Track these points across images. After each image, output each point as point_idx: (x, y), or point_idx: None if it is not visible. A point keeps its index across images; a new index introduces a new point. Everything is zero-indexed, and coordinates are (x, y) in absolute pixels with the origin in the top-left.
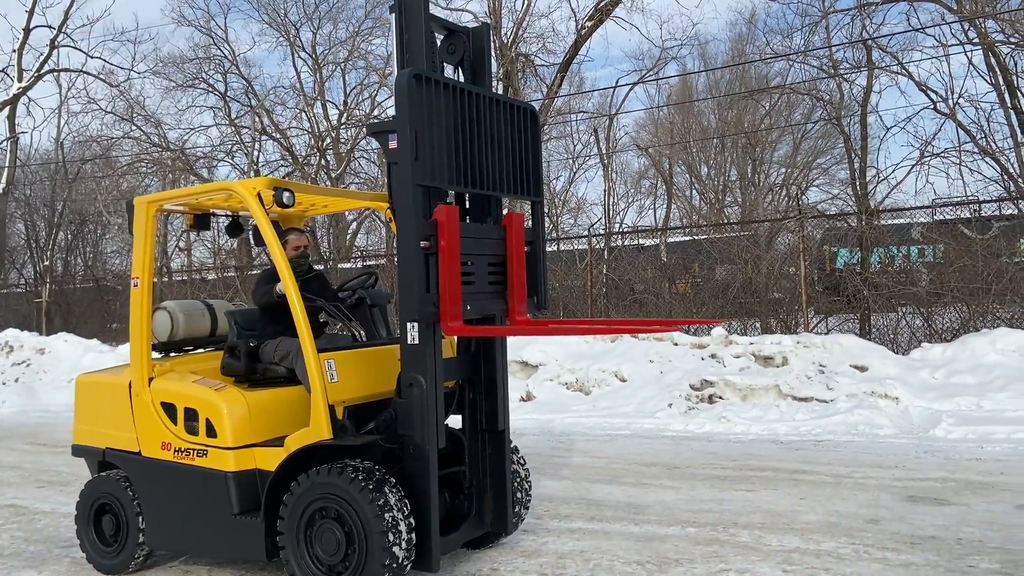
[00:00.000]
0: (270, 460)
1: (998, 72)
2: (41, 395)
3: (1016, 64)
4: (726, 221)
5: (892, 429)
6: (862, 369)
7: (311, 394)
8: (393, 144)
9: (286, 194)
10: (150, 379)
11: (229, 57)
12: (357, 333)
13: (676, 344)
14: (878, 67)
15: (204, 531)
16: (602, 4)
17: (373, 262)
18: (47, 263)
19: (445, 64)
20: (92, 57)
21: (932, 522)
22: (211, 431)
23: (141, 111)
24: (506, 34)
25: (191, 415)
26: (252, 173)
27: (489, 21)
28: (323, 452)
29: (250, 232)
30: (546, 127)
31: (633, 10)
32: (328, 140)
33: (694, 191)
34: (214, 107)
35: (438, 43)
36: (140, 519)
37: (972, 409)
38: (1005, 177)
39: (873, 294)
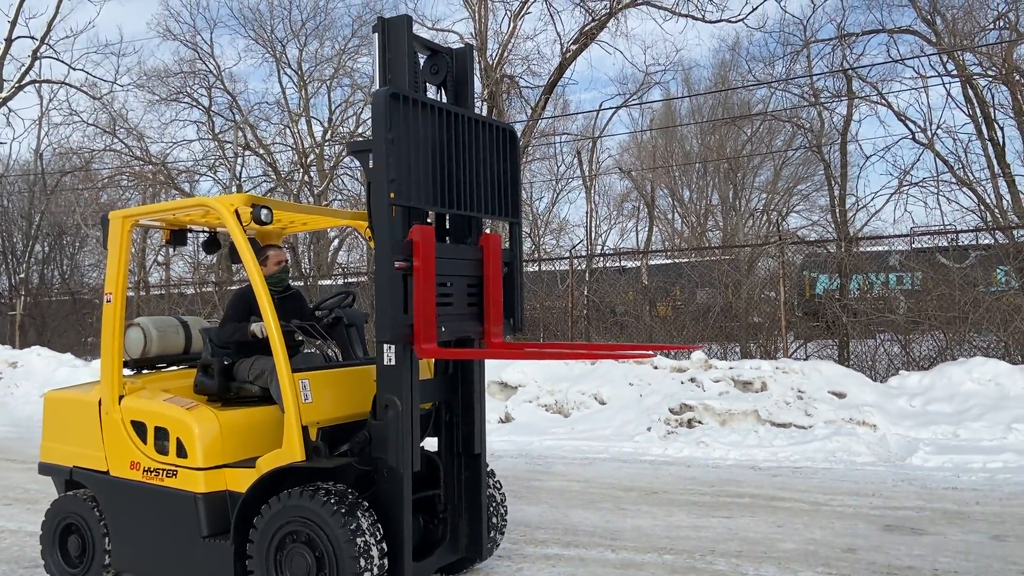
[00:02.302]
0: (241, 481)
1: (975, 104)
2: (12, 409)
3: (993, 96)
4: (707, 245)
5: (869, 456)
6: (840, 396)
7: (284, 414)
8: (372, 164)
9: (264, 211)
10: (120, 396)
11: (214, 72)
12: (332, 353)
13: (656, 367)
14: (858, 97)
15: (172, 554)
16: (587, 28)
17: (354, 279)
18: (23, 275)
19: (428, 84)
20: (75, 69)
21: (908, 552)
22: (181, 451)
23: (124, 124)
24: (491, 56)
25: (161, 434)
26: (235, 188)
27: (474, 43)
28: (295, 474)
29: (227, 249)
30: (530, 148)
31: (617, 34)
32: (312, 157)
33: (676, 215)
34: (198, 121)
35: (421, 64)
36: (106, 540)
37: (948, 438)
38: (981, 207)
39: (852, 321)
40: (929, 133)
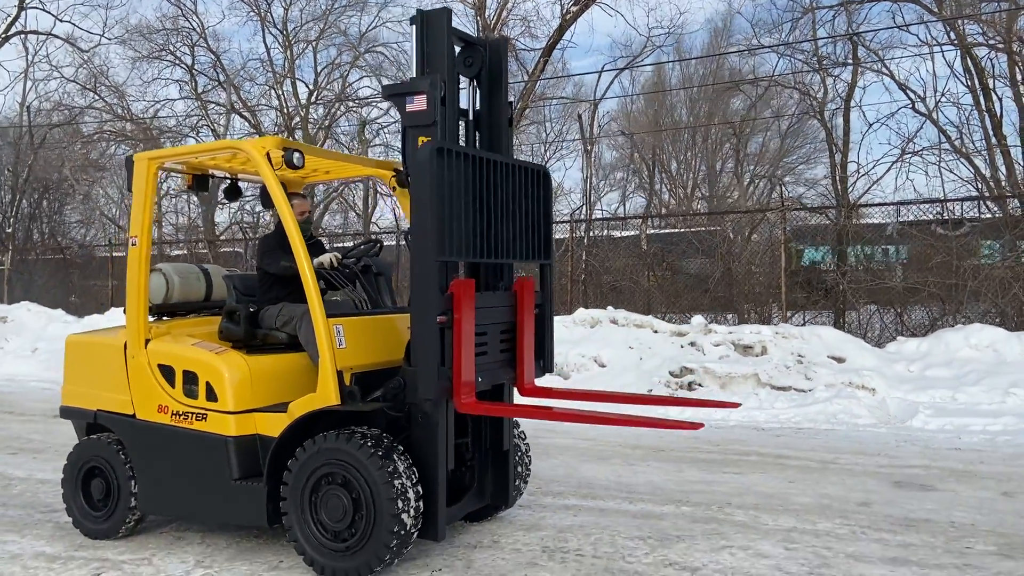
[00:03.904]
0: (271, 425)
1: (974, 75)
2: (4, 364)
3: (993, 67)
4: (708, 211)
5: (870, 419)
6: (839, 360)
7: (319, 359)
8: (412, 107)
9: (296, 154)
10: (147, 341)
11: (198, 30)
12: (361, 301)
13: (656, 331)
14: (861, 64)
15: (201, 496)
16: None
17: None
18: (9, 230)
19: (461, 76)
20: (62, 20)
21: (922, 506)
22: (211, 395)
23: (105, 81)
24: (490, 16)
25: (190, 378)
26: None
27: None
28: (327, 418)
29: (258, 194)
30: (527, 112)
31: None
32: (297, 119)
33: (663, 185)
34: (180, 80)
35: (456, 54)
36: (132, 483)
37: (947, 402)
38: (977, 178)
39: (852, 288)
40: (931, 103)
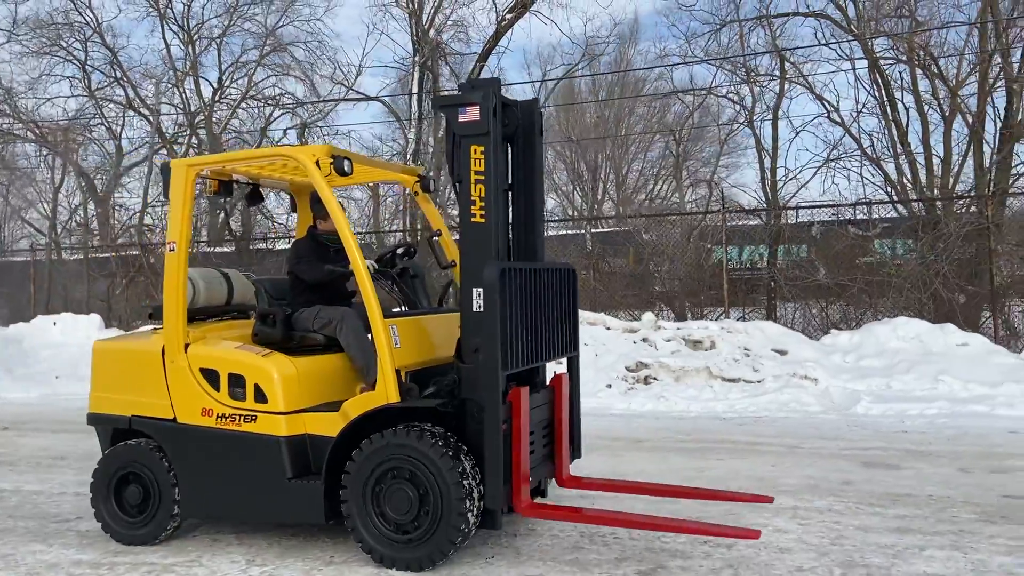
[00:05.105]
0: (320, 424)
1: (881, 86)
2: None
3: (902, 80)
4: (654, 213)
5: (818, 407)
6: (782, 352)
7: (378, 358)
8: (464, 117)
9: (346, 162)
10: (186, 345)
11: (92, 24)
12: (400, 302)
13: (608, 328)
14: (770, 76)
15: (253, 496)
16: None
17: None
18: None
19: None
20: None
21: (897, 483)
22: (260, 397)
23: None
24: (427, 20)
25: (237, 381)
26: (114, 147)
27: (409, 6)
28: (380, 416)
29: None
30: None
31: (555, 5)
32: (201, 118)
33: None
34: (72, 77)
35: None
36: (175, 488)
37: (883, 389)
38: (887, 184)
39: (789, 284)
40: (847, 114)
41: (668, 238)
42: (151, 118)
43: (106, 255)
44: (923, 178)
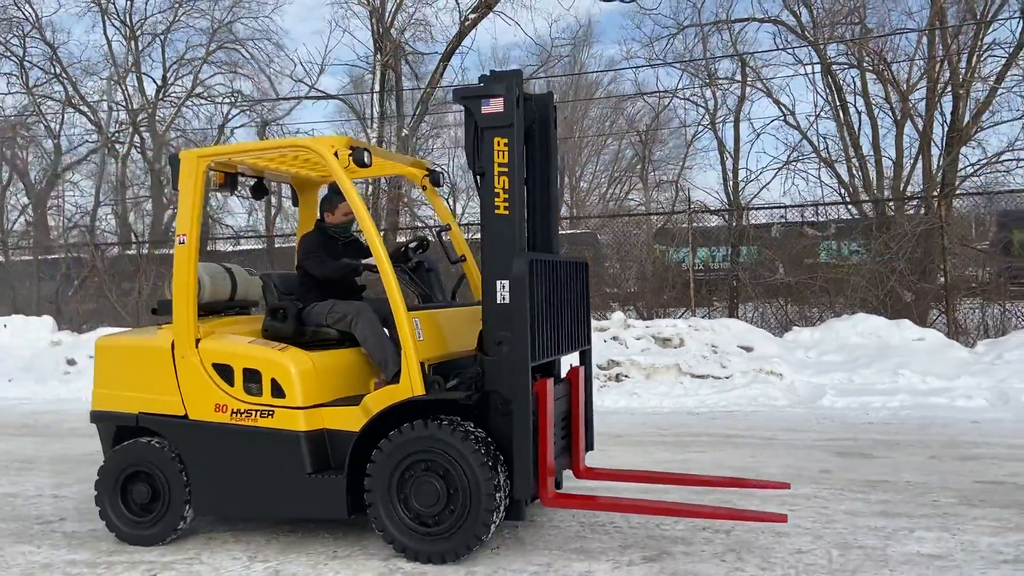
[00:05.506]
0: (338, 419)
1: (834, 91)
2: None
3: (855, 84)
4: (622, 213)
5: (785, 401)
6: (748, 349)
7: (403, 351)
8: (488, 109)
9: (366, 154)
10: (196, 340)
11: (30, 19)
12: (416, 296)
13: None
14: (731, 80)
15: (271, 492)
16: None
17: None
18: None
19: None
20: None
21: (874, 471)
22: (278, 391)
23: None
24: (388, 18)
25: (252, 376)
26: (52, 145)
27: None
28: (402, 409)
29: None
30: (427, 117)
31: (519, 6)
32: (143, 116)
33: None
34: (10, 74)
35: None
36: (186, 486)
37: (846, 383)
38: (839, 185)
39: (753, 283)
40: (810, 117)
41: (634, 239)
42: (92, 116)
43: (56, 256)
44: (874, 180)
